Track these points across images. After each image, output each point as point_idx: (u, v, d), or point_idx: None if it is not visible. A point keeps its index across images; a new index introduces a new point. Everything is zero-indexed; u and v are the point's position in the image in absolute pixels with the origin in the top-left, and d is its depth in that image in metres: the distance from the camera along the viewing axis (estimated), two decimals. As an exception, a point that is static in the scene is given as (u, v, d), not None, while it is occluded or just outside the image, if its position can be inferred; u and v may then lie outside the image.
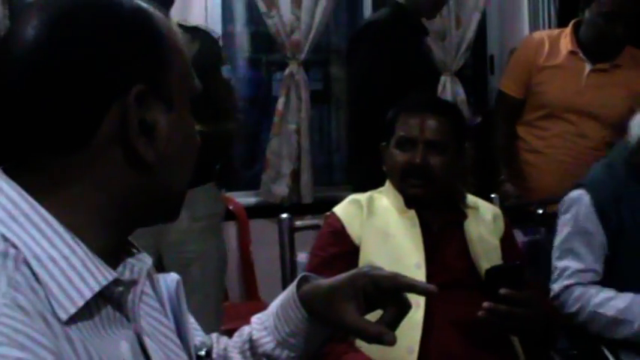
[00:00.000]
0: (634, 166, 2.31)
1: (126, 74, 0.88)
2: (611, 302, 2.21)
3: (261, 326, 1.26)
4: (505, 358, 1.98)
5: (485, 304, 1.85)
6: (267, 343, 1.24)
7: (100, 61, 0.87)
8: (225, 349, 1.28)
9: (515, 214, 2.66)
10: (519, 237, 2.54)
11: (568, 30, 3.33)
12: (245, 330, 1.29)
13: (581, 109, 3.24)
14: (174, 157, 0.95)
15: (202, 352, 1.15)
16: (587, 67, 3.24)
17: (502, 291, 1.85)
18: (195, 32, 2.86)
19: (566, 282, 2.28)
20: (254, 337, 1.26)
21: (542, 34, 3.51)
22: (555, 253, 2.36)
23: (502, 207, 2.55)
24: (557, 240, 2.37)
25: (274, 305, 1.27)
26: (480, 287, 1.97)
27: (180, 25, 2.79)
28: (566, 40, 3.29)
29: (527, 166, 3.39)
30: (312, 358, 1.28)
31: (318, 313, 1.22)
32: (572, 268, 2.28)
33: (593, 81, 3.24)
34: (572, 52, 3.25)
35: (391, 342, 1.17)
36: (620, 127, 2.95)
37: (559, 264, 2.33)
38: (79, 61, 0.86)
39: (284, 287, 2.19)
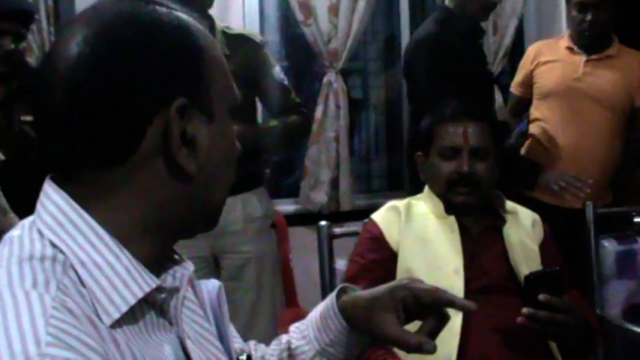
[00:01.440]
0: None
1: (167, 88, 0.90)
2: None
3: (299, 335, 1.28)
4: (544, 365, 1.97)
5: (525, 310, 1.84)
6: (306, 352, 1.26)
7: (142, 77, 0.89)
8: (262, 357, 1.29)
9: (605, 221, 2.67)
10: (613, 246, 2.53)
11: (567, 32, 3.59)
12: (283, 338, 1.30)
13: (581, 92, 3.35)
14: (215, 167, 0.96)
15: (244, 357, 1.17)
16: (583, 58, 3.39)
17: (541, 297, 1.84)
18: (240, 39, 2.88)
19: None
20: (292, 346, 1.27)
21: (547, 40, 3.76)
22: None
23: (594, 213, 2.64)
24: None
25: (313, 315, 1.28)
26: (519, 293, 1.96)
27: (225, 33, 2.82)
28: (563, 40, 3.49)
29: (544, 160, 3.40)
30: None
31: (358, 323, 1.23)
32: None
33: (589, 69, 3.38)
34: (568, 48, 3.44)
35: (431, 351, 1.18)
36: (622, 113, 3.26)
37: None
38: (121, 78, 0.88)
39: (323, 294, 2.21)
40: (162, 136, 0.90)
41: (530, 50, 3.64)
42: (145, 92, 0.89)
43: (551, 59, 3.47)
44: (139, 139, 0.89)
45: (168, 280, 0.97)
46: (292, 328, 1.31)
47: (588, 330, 1.98)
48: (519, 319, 1.84)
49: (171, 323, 0.96)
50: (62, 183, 0.91)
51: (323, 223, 2.33)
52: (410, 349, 1.20)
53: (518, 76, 3.68)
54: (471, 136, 2.12)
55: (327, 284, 2.26)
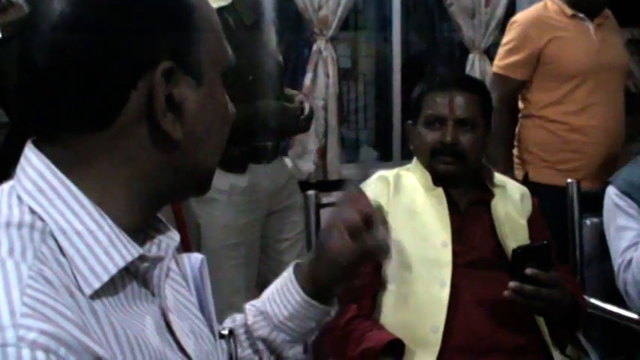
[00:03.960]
0: None
1: (153, 50, 0.87)
2: None
3: (256, 312, 1.26)
4: (531, 339, 1.97)
5: (512, 283, 1.84)
6: (263, 327, 1.24)
7: (126, 38, 0.86)
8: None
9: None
10: (597, 226, 2.52)
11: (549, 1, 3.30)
12: (237, 316, 1.29)
13: (602, 64, 3.19)
14: (204, 133, 0.94)
15: (226, 331, 1.16)
16: (590, 25, 3.22)
17: (528, 271, 1.84)
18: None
19: None
20: (249, 323, 1.26)
21: (528, 13, 3.38)
22: None
23: (578, 192, 2.60)
24: None
25: (269, 291, 1.27)
26: (507, 267, 1.95)
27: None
28: (556, 7, 3.24)
29: (570, 145, 3.25)
30: (307, 341, 1.28)
31: (318, 280, 1.22)
32: None
33: (599, 37, 3.23)
34: (573, 16, 3.21)
35: (385, 250, 1.20)
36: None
37: None
38: (104, 38, 0.85)
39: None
40: (146, 100, 0.87)
41: (528, 26, 3.26)
42: (129, 54, 0.86)
43: (562, 34, 3.20)
44: (123, 103, 0.86)
45: (153, 249, 0.95)
46: (247, 305, 1.29)
47: (575, 305, 1.98)
48: (506, 292, 1.84)
49: (153, 294, 0.94)
50: (44, 147, 0.88)
51: (311, 192, 2.31)
52: (364, 257, 1.21)
53: (518, 56, 3.25)
54: (457, 106, 2.10)
55: (314, 253, 2.24)
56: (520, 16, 3.39)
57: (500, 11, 4.56)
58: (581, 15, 3.21)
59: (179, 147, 0.91)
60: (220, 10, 2.71)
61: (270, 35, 3.04)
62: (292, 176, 3.27)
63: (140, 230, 0.94)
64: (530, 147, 3.31)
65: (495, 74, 3.38)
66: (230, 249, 2.89)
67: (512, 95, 3.33)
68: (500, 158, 3.21)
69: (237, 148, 2.81)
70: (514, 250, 1.90)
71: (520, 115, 3.38)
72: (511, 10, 4.78)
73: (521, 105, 3.37)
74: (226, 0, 2.83)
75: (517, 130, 3.39)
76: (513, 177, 2.89)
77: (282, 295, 1.24)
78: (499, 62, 3.34)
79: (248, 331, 1.26)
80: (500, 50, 3.37)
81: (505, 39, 3.36)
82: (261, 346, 1.25)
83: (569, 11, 3.21)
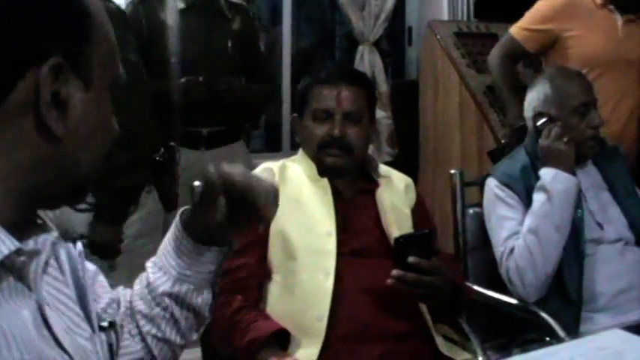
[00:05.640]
0: None
1: (44, 44, 0.87)
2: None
3: (155, 268, 1.27)
4: (413, 325, 2.00)
5: (394, 271, 1.88)
6: (164, 282, 1.25)
7: (17, 28, 0.85)
8: (130, 302, 1.28)
9: None
10: (480, 215, 2.58)
11: None
12: (142, 276, 1.29)
13: (624, 59, 3.16)
14: (85, 137, 0.94)
15: (105, 323, 1.14)
16: (619, 18, 3.18)
17: (410, 259, 1.88)
18: (238, 8, 3.35)
19: None
20: (151, 280, 1.26)
21: None
22: None
23: (461, 182, 2.64)
24: None
25: (164, 246, 1.27)
26: (391, 255, 1.98)
27: (227, 1, 3.29)
28: None
29: None
30: (213, 285, 1.28)
31: (204, 224, 1.22)
32: None
33: (625, 31, 3.18)
34: (602, 6, 3.17)
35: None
36: None
37: None
38: None
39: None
40: (33, 92, 0.86)
41: (558, 5, 3.19)
42: (19, 42, 0.85)
43: (586, 21, 3.14)
44: (8, 91, 0.85)
45: (30, 244, 0.92)
46: (148, 263, 1.30)
47: (456, 291, 2.03)
48: (389, 280, 1.88)
49: (30, 289, 0.91)
50: None
51: (197, 183, 2.28)
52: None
53: (536, 27, 3.21)
54: (344, 99, 2.11)
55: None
56: None
57: (390, 3, 4.63)
58: (611, 7, 3.17)
59: (60, 144, 0.90)
60: None
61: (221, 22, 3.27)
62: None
63: (17, 224, 0.92)
64: None
65: (509, 34, 3.30)
66: None
67: (512, 59, 3.31)
68: (508, 101, 3.19)
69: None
70: (396, 239, 1.94)
71: None
72: (401, 4, 4.86)
73: None
74: None
75: None
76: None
77: (173, 246, 1.24)
78: (518, 25, 3.28)
79: (152, 289, 1.26)
80: (526, 16, 3.28)
81: (534, 8, 3.28)
82: (167, 301, 1.25)
83: (599, 0, 3.17)
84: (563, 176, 2.35)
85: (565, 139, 2.38)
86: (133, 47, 2.55)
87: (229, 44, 3.27)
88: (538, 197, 2.37)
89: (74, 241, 1.05)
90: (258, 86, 3.40)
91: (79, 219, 2.50)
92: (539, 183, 2.38)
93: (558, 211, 2.32)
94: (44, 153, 0.90)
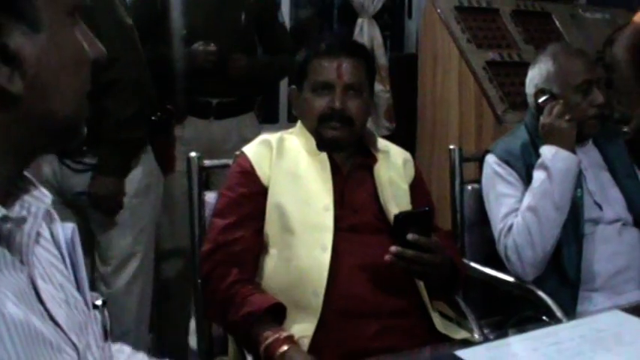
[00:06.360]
0: None
1: None
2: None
3: None
4: (410, 302, 1.99)
5: (393, 248, 1.86)
6: None
7: None
8: None
9: None
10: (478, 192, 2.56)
11: None
12: None
13: None
14: (52, 79, 0.87)
15: (99, 302, 1.11)
16: None
17: (409, 236, 1.86)
18: None
19: None
20: None
21: None
22: None
23: (460, 158, 2.62)
24: None
25: None
26: (388, 231, 1.97)
27: None
28: None
29: None
30: None
31: None
32: None
33: None
34: None
35: None
36: None
37: None
38: None
39: (191, 226, 2.18)
40: None
41: None
42: None
43: None
44: None
45: (15, 209, 0.89)
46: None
47: (453, 269, 2.02)
48: (387, 257, 1.86)
49: (22, 262, 0.88)
50: None
51: (193, 154, 2.26)
52: None
53: None
54: (344, 72, 2.09)
55: (195, 216, 2.21)
56: None
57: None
58: None
59: (22, 101, 0.85)
60: None
61: None
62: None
63: (5, 192, 0.88)
64: None
65: (636, 23, 3.14)
66: None
67: None
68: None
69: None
70: (396, 216, 1.92)
71: None
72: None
73: None
74: None
75: None
76: None
77: None
78: None
79: None
80: None
81: None
82: None
83: None
84: (565, 154, 2.33)
85: (567, 117, 2.36)
86: (125, 10, 2.66)
87: (242, 17, 3.27)
88: (538, 175, 2.34)
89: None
90: (275, 58, 3.43)
91: (82, 180, 2.59)
92: (539, 160, 2.36)
93: (558, 190, 2.30)
94: (10, 114, 0.85)
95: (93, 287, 2.41)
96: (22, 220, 0.88)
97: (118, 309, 2.71)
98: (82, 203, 2.66)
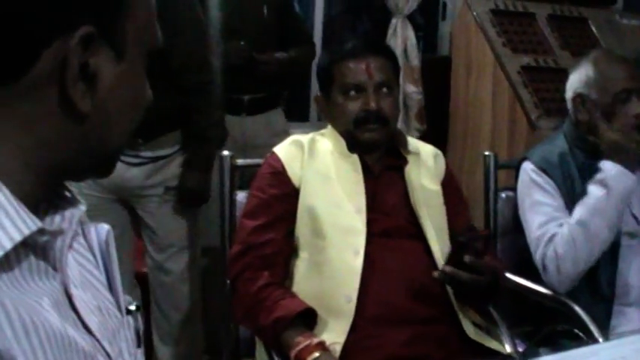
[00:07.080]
0: None
1: (73, 11, 0.80)
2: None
3: None
4: (441, 310, 1.96)
5: (448, 268, 1.85)
6: None
7: None
8: None
9: None
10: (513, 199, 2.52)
11: None
12: None
13: None
14: (115, 111, 0.87)
15: (133, 307, 1.09)
16: None
17: (467, 258, 1.84)
18: None
19: None
20: None
21: None
22: None
23: (495, 164, 2.58)
24: None
25: None
26: (421, 237, 1.99)
27: None
28: None
29: None
30: None
31: None
32: None
33: None
34: None
35: None
36: None
37: None
38: None
39: (222, 225, 2.15)
40: (59, 63, 0.80)
41: None
42: (47, 8, 0.78)
43: None
44: (32, 60, 0.79)
45: (56, 220, 0.87)
46: None
47: (495, 283, 1.98)
48: (435, 273, 1.86)
49: (55, 269, 0.86)
50: None
51: (225, 153, 2.25)
52: None
53: None
54: (374, 70, 2.05)
55: (226, 216, 2.19)
56: None
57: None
58: None
59: (85, 121, 0.84)
60: None
61: None
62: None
63: (41, 200, 0.87)
64: None
65: None
66: None
67: None
68: None
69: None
70: (457, 240, 1.90)
71: None
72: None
73: None
74: None
75: None
76: None
77: None
78: None
79: None
80: None
81: None
82: None
83: None
84: (628, 175, 2.26)
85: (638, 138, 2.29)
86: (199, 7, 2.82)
87: (265, 10, 3.35)
88: (595, 190, 2.27)
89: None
90: (298, 51, 3.48)
91: (133, 174, 2.70)
92: (599, 176, 2.28)
93: (615, 210, 2.24)
94: (67, 129, 0.84)
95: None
96: (58, 233, 0.87)
97: (179, 295, 2.86)
98: (133, 197, 2.78)
